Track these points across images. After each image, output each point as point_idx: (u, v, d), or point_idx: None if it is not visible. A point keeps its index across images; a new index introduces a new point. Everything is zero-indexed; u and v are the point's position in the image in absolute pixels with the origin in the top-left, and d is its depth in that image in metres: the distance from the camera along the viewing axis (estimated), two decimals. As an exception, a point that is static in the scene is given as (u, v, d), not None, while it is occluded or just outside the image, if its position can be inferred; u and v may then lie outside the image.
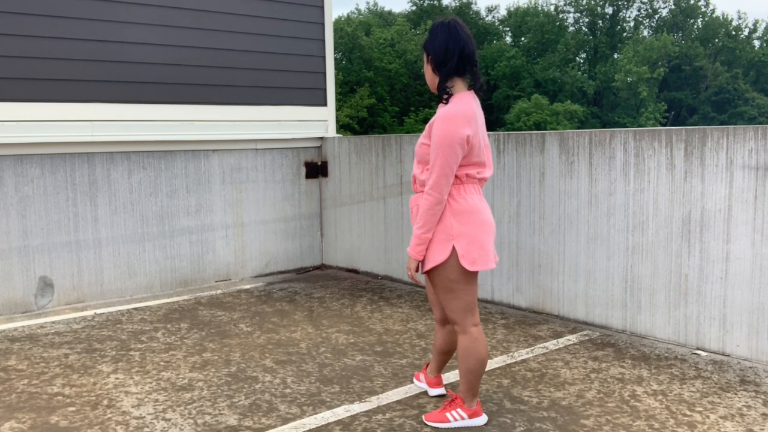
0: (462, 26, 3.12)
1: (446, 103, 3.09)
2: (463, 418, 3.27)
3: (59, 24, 5.39)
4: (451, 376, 3.89)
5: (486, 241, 3.13)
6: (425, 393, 3.68)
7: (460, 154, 3.02)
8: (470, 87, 3.16)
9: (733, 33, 52.99)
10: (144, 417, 3.42)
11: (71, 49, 5.46)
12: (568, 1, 53.82)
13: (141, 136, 5.83)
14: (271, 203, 6.70)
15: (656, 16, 54.35)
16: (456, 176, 3.08)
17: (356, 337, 4.68)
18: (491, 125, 47.51)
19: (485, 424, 3.30)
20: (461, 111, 3.03)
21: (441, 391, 3.62)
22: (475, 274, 3.17)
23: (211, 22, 6.17)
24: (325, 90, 6.98)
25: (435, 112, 3.16)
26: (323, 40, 6.92)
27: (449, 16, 3.23)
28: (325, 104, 6.99)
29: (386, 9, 55.85)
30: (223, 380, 3.90)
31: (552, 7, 53.88)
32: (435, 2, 53.85)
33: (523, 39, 54.28)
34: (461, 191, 3.10)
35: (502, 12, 64.73)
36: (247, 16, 6.39)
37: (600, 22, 53.54)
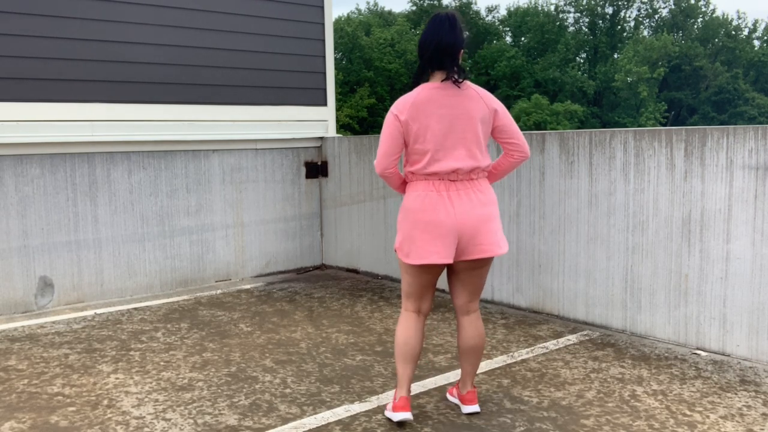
0: (449, 20, 3.15)
1: None
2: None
3: (59, 24, 5.39)
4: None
5: (419, 238, 3.15)
6: (425, 393, 3.68)
7: (394, 133, 3.17)
8: (445, 79, 3.16)
9: (733, 33, 53.03)
10: (144, 417, 3.42)
11: (71, 49, 5.46)
12: (568, 1, 53.84)
13: (141, 136, 5.83)
14: (271, 203, 6.70)
15: (656, 16, 54.38)
16: (405, 172, 3.26)
17: (356, 337, 4.68)
18: (491, 125, 47.37)
19: (484, 424, 3.30)
20: (404, 96, 3.20)
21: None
22: (415, 267, 3.22)
23: (211, 22, 6.18)
24: (325, 90, 6.98)
25: None
26: (323, 40, 6.92)
27: (447, 10, 3.28)
28: (325, 104, 6.99)
29: (386, 9, 55.89)
30: (223, 380, 3.90)
31: (552, 7, 53.90)
32: (435, 2, 53.83)
33: (523, 39, 54.28)
34: (409, 188, 3.25)
35: (502, 12, 64.73)
36: (247, 16, 6.39)
37: (600, 22, 53.56)
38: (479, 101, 3.18)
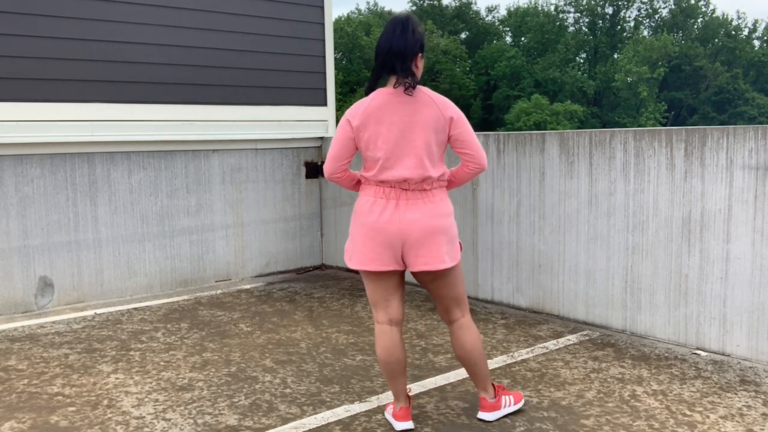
0: (402, 24, 3.08)
1: None
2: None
3: (59, 24, 5.39)
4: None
5: (361, 243, 3.11)
6: (425, 393, 3.68)
7: (345, 138, 3.13)
8: (396, 85, 3.08)
9: (733, 33, 53.07)
10: (144, 417, 3.42)
11: (71, 49, 5.46)
12: (568, 1, 53.87)
13: (141, 136, 5.83)
14: (271, 203, 6.71)
15: (656, 16, 54.42)
16: (359, 175, 3.23)
17: (356, 337, 4.68)
18: (491, 125, 47.77)
19: (484, 424, 3.30)
20: (359, 102, 3.15)
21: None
22: (367, 273, 3.18)
23: (211, 22, 6.18)
24: (325, 90, 6.98)
25: None
26: (323, 40, 6.92)
27: (402, 13, 3.19)
28: (325, 104, 6.99)
29: (386, 9, 55.89)
30: (223, 380, 3.90)
31: (552, 7, 53.93)
32: (435, 2, 53.84)
33: (523, 39, 54.31)
34: (361, 191, 3.22)
35: (502, 12, 64.78)
36: (247, 16, 6.39)
37: (600, 22, 53.58)
38: (433, 108, 3.06)
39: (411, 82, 3.05)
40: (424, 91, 3.11)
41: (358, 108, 3.12)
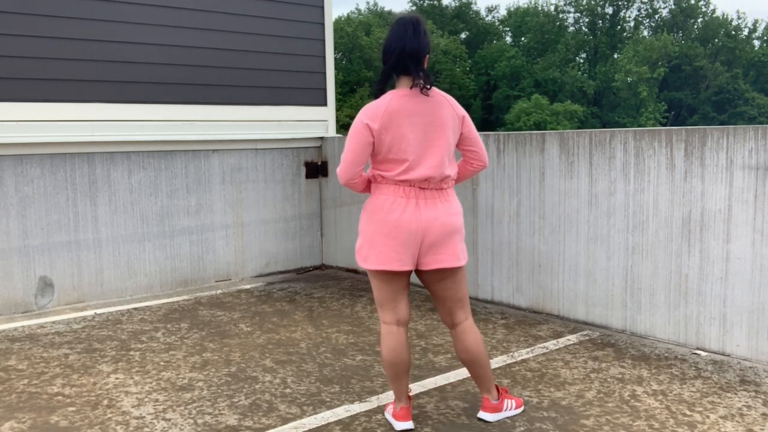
0: (413, 25, 3.07)
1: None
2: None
3: (59, 24, 5.39)
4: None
5: (381, 242, 3.08)
6: (425, 393, 3.68)
7: (363, 143, 3.06)
8: (412, 86, 3.08)
9: (733, 33, 53.08)
10: (144, 417, 3.42)
11: (71, 49, 5.46)
12: (568, 1, 53.89)
13: (141, 136, 5.83)
14: (271, 203, 6.71)
15: (656, 16, 54.43)
16: (373, 174, 3.16)
17: (356, 337, 4.69)
18: (491, 125, 47.74)
19: (484, 424, 3.30)
20: (374, 104, 3.10)
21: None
22: (380, 273, 3.15)
23: (211, 22, 6.18)
24: (325, 90, 6.98)
25: None
26: (323, 40, 6.92)
27: (410, 14, 3.19)
28: (325, 104, 6.99)
29: (386, 9, 55.91)
30: (223, 380, 3.90)
31: (552, 7, 53.95)
32: (435, 2, 53.88)
33: (523, 39, 54.34)
34: (375, 190, 3.16)
35: (502, 12, 64.82)
36: (247, 16, 6.39)
37: (600, 22, 53.59)
38: (448, 108, 3.10)
39: (427, 83, 3.06)
40: (437, 91, 3.13)
41: (376, 110, 3.06)
